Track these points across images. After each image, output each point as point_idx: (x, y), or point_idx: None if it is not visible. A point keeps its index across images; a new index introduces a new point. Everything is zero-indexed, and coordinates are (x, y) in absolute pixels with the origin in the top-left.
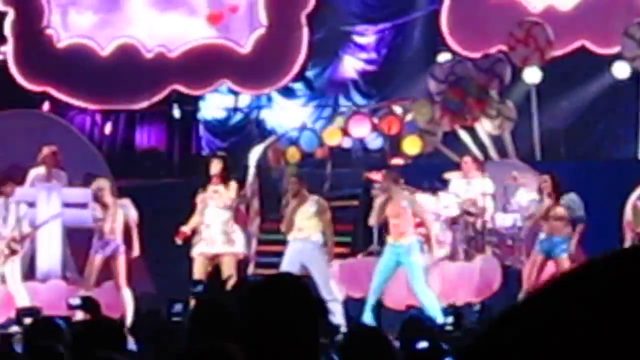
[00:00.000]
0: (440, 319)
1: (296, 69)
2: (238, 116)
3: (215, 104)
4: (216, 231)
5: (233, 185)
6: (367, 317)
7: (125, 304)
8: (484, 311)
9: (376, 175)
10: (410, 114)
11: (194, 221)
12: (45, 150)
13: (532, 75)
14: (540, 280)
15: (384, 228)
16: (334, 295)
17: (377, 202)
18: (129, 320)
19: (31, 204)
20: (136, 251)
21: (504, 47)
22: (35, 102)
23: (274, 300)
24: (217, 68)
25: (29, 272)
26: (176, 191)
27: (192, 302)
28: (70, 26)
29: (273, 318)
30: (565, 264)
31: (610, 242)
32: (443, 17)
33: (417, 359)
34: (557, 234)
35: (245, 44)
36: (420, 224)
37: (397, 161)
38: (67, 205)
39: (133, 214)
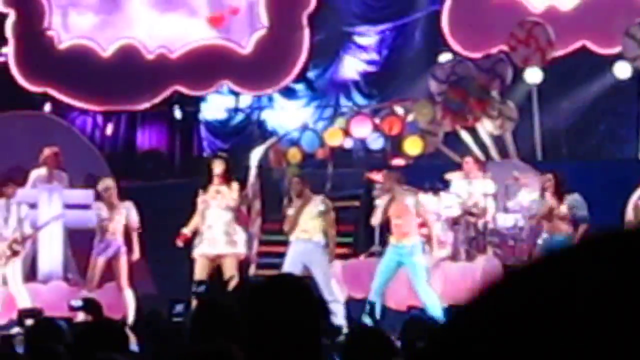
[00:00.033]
0: (442, 319)
1: (297, 69)
2: (239, 117)
3: (217, 104)
4: (218, 232)
5: (235, 186)
6: (365, 318)
7: (127, 304)
8: None
9: (377, 176)
10: (412, 115)
11: (194, 222)
12: (47, 152)
13: (533, 75)
14: None
15: (385, 228)
16: (335, 296)
17: (381, 202)
18: (130, 320)
19: (32, 205)
20: (136, 255)
21: (505, 48)
22: (36, 103)
23: (275, 300)
24: (218, 69)
25: (31, 273)
26: (177, 192)
27: (194, 303)
28: (70, 27)
29: (275, 319)
30: None
31: None
32: (444, 18)
33: (419, 359)
34: (558, 233)
35: (246, 45)
36: (423, 225)
37: (399, 162)
38: (68, 206)
39: (134, 218)
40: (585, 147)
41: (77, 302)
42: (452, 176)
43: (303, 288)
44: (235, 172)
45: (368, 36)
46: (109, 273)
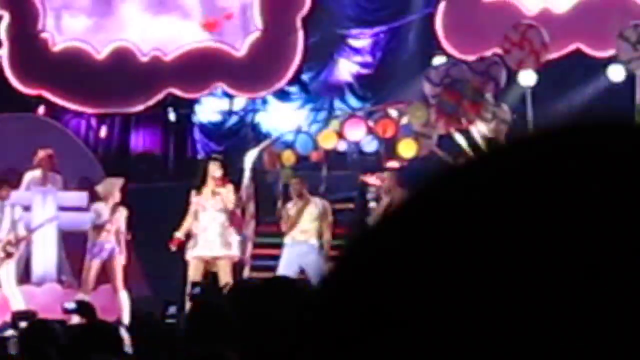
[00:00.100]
0: None
1: (291, 72)
2: (233, 119)
3: (211, 107)
4: (214, 234)
5: (232, 188)
6: None
7: (122, 306)
8: None
9: (372, 179)
10: (406, 117)
11: (186, 225)
12: (41, 154)
13: (527, 78)
14: None
15: None
16: None
17: (381, 204)
18: (126, 322)
19: (27, 208)
20: (124, 260)
21: (499, 50)
22: (30, 105)
23: (270, 302)
24: (212, 71)
25: (25, 275)
26: (171, 194)
27: (188, 305)
28: (64, 30)
29: (269, 320)
30: None
31: None
32: (438, 20)
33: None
34: None
35: (240, 48)
36: None
37: (393, 164)
38: (62, 208)
39: (124, 223)
40: None
41: (71, 305)
42: None
43: (299, 290)
44: (230, 175)
45: (362, 39)
46: (103, 275)
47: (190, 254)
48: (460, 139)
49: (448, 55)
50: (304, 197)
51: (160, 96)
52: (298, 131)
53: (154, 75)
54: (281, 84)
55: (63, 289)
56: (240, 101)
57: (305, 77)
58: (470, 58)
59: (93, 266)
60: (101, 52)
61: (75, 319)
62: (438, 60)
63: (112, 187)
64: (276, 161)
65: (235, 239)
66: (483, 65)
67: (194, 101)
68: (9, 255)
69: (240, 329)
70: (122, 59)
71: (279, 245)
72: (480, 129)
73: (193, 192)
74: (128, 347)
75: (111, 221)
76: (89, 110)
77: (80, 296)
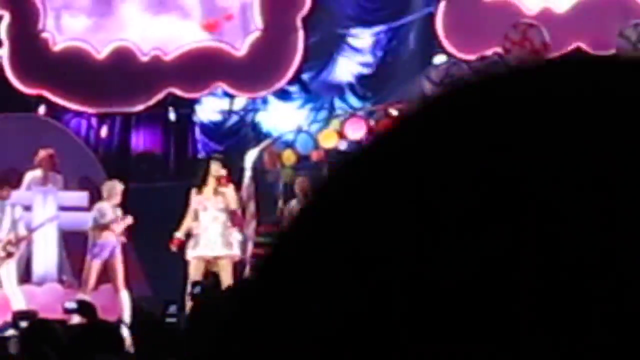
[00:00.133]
0: None
1: (292, 71)
2: (234, 119)
3: (211, 107)
4: (215, 234)
5: (233, 187)
6: None
7: (123, 305)
8: None
9: None
10: None
11: (186, 224)
12: (42, 153)
13: None
14: None
15: None
16: None
17: None
18: (127, 321)
19: (27, 207)
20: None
21: (499, 50)
22: (31, 105)
23: None
24: (212, 71)
25: (25, 275)
26: (172, 194)
27: (189, 304)
28: (64, 29)
29: None
30: None
31: None
32: (438, 20)
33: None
34: None
35: (241, 47)
36: None
37: None
38: (63, 208)
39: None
40: None
41: (72, 305)
42: None
43: None
44: (230, 174)
45: (362, 38)
46: (104, 275)
47: (191, 254)
48: None
49: (448, 55)
50: None
51: (160, 96)
52: (298, 131)
53: (155, 75)
54: (281, 83)
55: (64, 289)
56: (240, 101)
57: (305, 76)
58: (471, 57)
59: (94, 266)
60: (101, 51)
61: (76, 319)
62: (438, 59)
63: (115, 188)
64: (277, 161)
65: (236, 238)
66: (483, 65)
67: (195, 101)
68: (9, 255)
69: None
70: (122, 58)
71: None
72: None
73: (193, 192)
74: (129, 346)
75: (117, 220)
76: (89, 110)
77: (80, 296)
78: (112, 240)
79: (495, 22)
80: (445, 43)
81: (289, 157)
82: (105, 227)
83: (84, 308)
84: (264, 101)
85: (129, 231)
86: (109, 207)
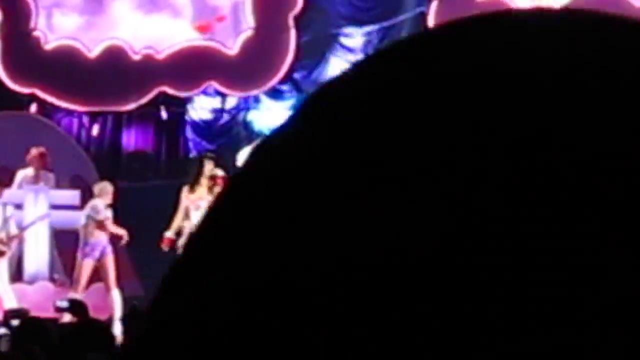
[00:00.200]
0: None
1: (283, 70)
2: (225, 118)
3: (203, 105)
4: None
5: None
6: None
7: (114, 305)
8: None
9: None
10: None
11: (176, 223)
12: (33, 152)
13: None
14: None
15: None
16: None
17: None
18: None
19: (19, 206)
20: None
21: None
22: (22, 104)
23: None
24: (204, 70)
25: (17, 273)
26: (163, 193)
27: None
28: (55, 28)
29: None
30: None
31: None
32: (430, 19)
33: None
34: None
35: (233, 46)
36: None
37: None
38: (54, 207)
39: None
40: None
41: (63, 303)
42: None
43: None
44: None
45: (355, 38)
46: (95, 274)
47: None
48: None
49: None
50: None
51: (152, 94)
52: None
53: (146, 73)
54: (273, 82)
55: (55, 288)
56: (232, 99)
57: (297, 75)
58: None
59: (85, 265)
60: (93, 50)
61: (68, 318)
62: None
63: (106, 188)
64: None
65: None
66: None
67: (186, 99)
68: (1, 253)
69: None
70: (114, 57)
71: None
72: None
73: (184, 190)
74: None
75: (109, 218)
76: (81, 108)
77: (71, 294)
78: (104, 239)
79: None
80: None
81: None
82: (99, 224)
83: (76, 307)
84: (256, 100)
85: (120, 238)
86: (102, 204)
